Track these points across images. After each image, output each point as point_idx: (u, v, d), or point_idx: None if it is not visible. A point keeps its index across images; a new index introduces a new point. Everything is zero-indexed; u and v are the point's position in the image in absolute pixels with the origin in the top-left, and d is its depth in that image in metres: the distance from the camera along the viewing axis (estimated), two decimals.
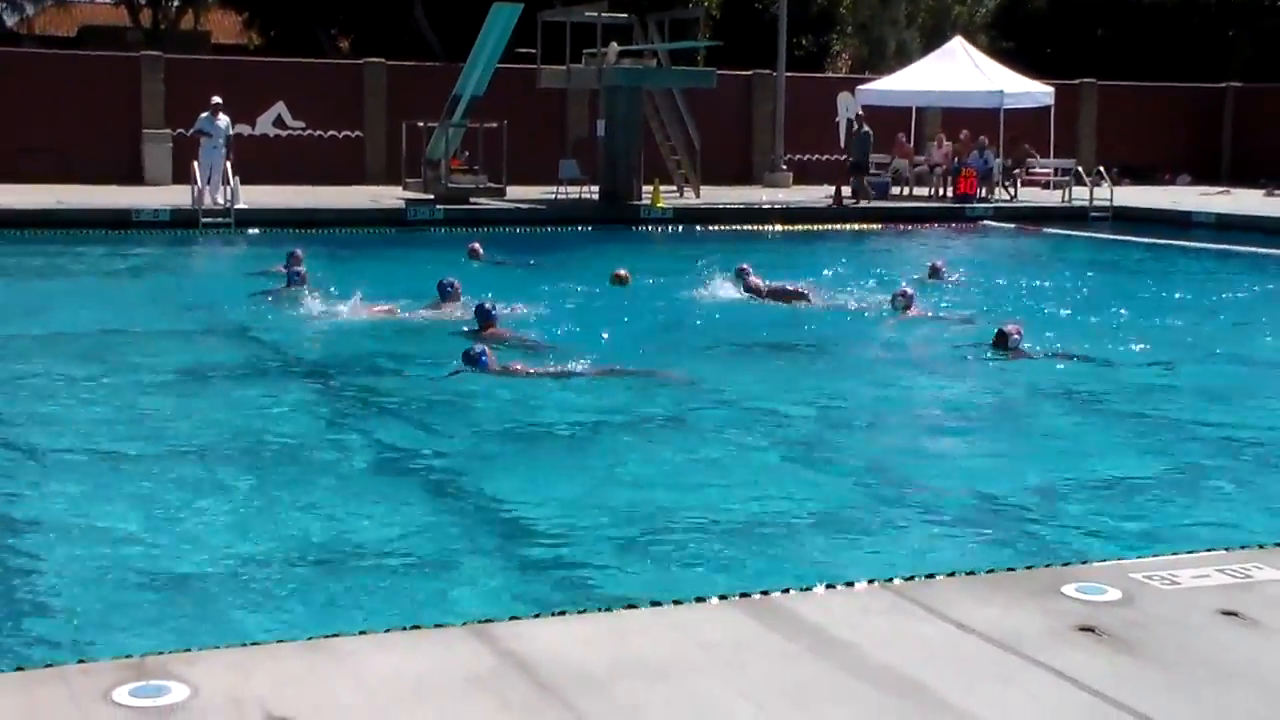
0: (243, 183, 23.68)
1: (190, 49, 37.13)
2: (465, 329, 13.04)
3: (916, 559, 7.02)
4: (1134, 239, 24.31)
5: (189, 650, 4.33)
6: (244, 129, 28.50)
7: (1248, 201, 29.43)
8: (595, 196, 27.34)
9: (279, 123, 30.01)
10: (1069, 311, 15.80)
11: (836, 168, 30.47)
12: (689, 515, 7.78)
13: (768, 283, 16.11)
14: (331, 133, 30.34)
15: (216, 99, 24.30)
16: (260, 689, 3.91)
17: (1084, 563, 5.58)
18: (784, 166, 31.66)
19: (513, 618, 4.78)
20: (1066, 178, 29.65)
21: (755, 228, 25.91)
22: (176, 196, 24.46)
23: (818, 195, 28.92)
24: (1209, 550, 5.57)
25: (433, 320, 13.99)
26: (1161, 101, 36.43)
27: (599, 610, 5.07)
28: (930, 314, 15.02)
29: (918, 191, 30.19)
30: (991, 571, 5.45)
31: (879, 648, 4.31)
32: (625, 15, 28.63)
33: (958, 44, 32.19)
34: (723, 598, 4.88)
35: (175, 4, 46.38)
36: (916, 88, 30.67)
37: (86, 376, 11.43)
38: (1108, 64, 37.95)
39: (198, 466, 8.66)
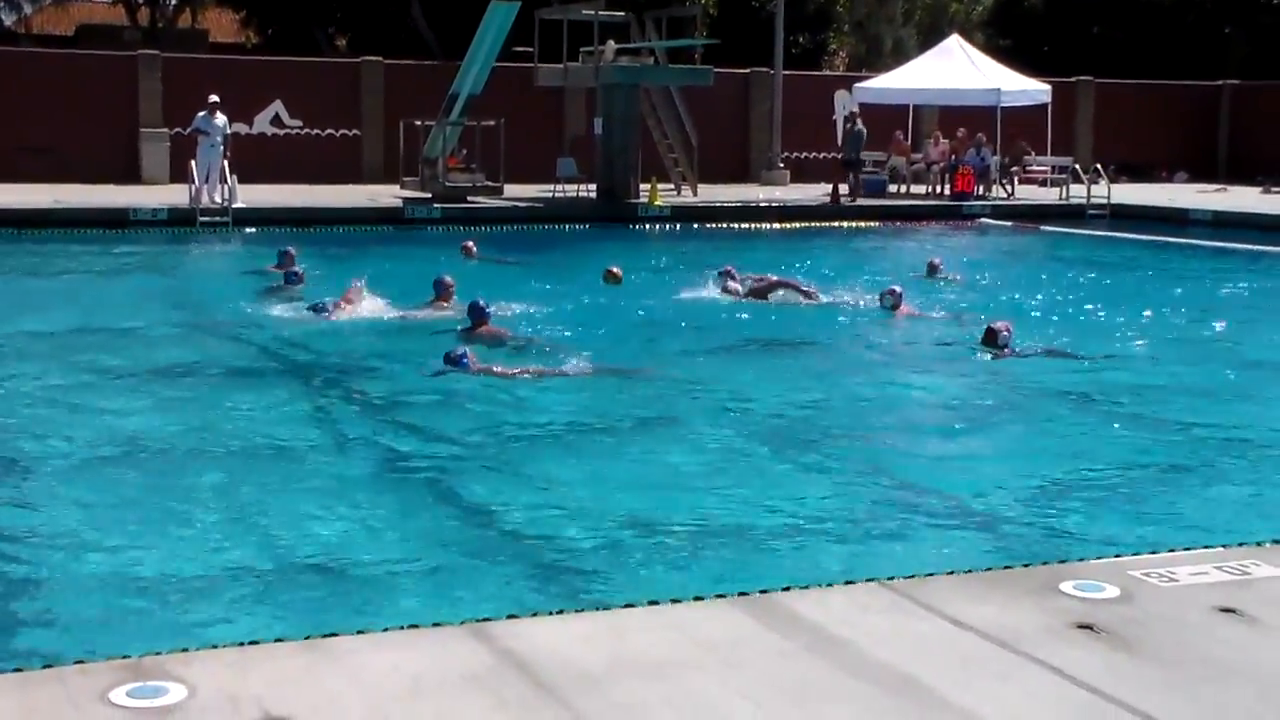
0: (240, 181, 23.67)
1: (188, 48, 37.10)
2: (459, 327, 13.05)
3: (914, 557, 7.01)
4: (1131, 236, 24.32)
5: (186, 650, 4.33)
6: (241, 128, 28.49)
7: (1244, 199, 29.44)
8: (593, 195, 27.34)
9: (276, 121, 29.99)
10: (1066, 309, 15.81)
11: (834, 166, 30.44)
12: (685, 514, 7.77)
13: (747, 280, 16.13)
14: (329, 131, 30.33)
15: (214, 97, 24.29)
16: (258, 688, 3.90)
17: (1081, 560, 5.58)
18: (781, 164, 31.65)
19: (510, 616, 4.78)
20: (1063, 175, 29.65)
21: (752, 226, 25.91)
22: (174, 195, 24.44)
23: (815, 193, 28.91)
24: (1207, 547, 5.57)
25: (427, 319, 13.99)
26: (1158, 99, 36.43)
27: (597, 609, 5.07)
28: (920, 312, 15.00)
29: (915, 189, 30.19)
30: (989, 569, 5.45)
31: (877, 646, 4.31)
32: (622, 13, 28.62)
33: (955, 42, 32.20)
34: (720, 596, 4.88)
35: (172, 3, 46.37)
36: (913, 85, 30.67)
37: (82, 376, 11.43)
38: (1105, 62, 37.96)
39: (192, 466, 8.65)
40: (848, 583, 5.12)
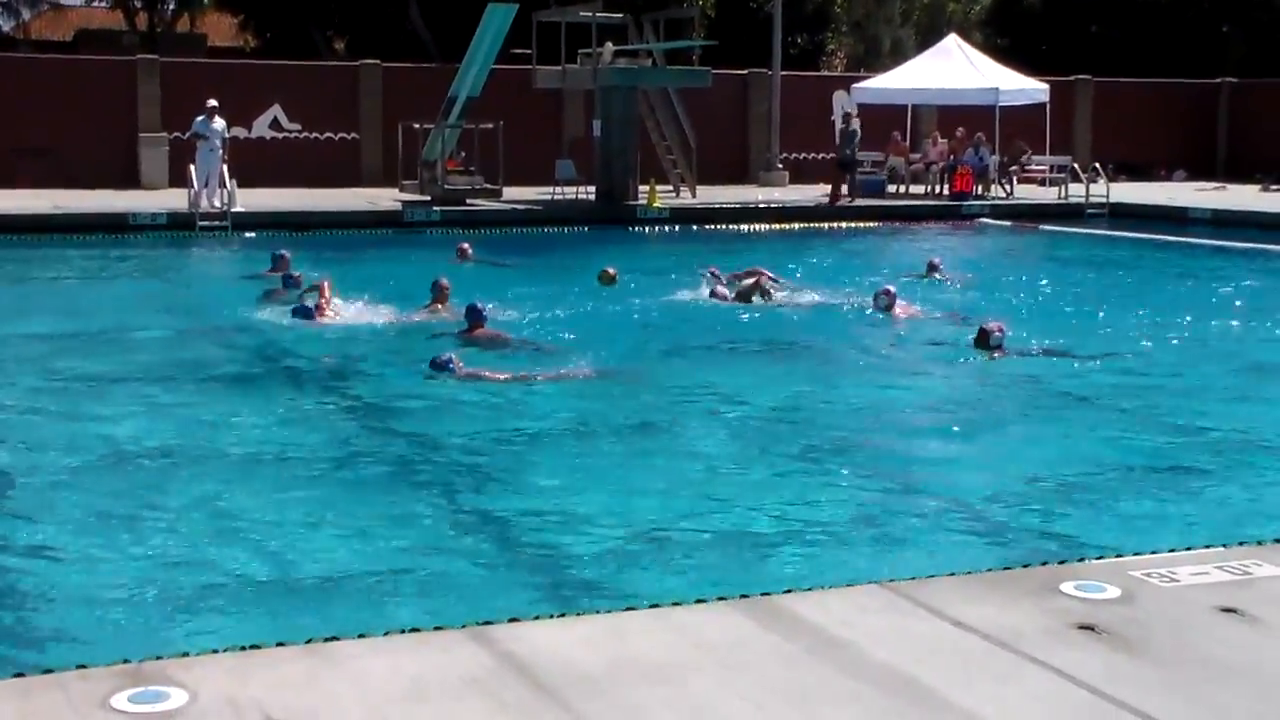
0: (239, 185, 23.67)
1: (186, 52, 37.14)
2: (456, 330, 13.05)
3: (914, 558, 7.01)
4: (1130, 235, 24.32)
5: (187, 655, 4.33)
6: (240, 131, 28.49)
7: (1243, 197, 29.45)
8: (592, 197, 27.34)
9: (275, 125, 29.98)
10: (1065, 309, 15.81)
11: (833, 166, 30.42)
12: (685, 517, 7.77)
13: (734, 282, 16.15)
14: (328, 135, 30.33)
15: (212, 102, 24.29)
16: (258, 693, 3.90)
17: (1082, 560, 5.58)
18: (780, 165, 31.64)
19: (511, 619, 4.78)
20: (1062, 174, 29.65)
21: (751, 227, 25.91)
22: (173, 200, 24.43)
23: (814, 194, 28.91)
24: (1208, 547, 5.57)
25: (424, 321, 14.00)
26: (1157, 97, 36.42)
27: (597, 612, 5.06)
28: (914, 313, 14.96)
29: (914, 189, 30.19)
30: (990, 570, 5.46)
31: (878, 647, 4.31)
32: (620, 15, 28.62)
33: (953, 41, 32.21)
34: (721, 598, 4.88)
35: (171, 7, 46.39)
36: (912, 85, 30.68)
37: (80, 381, 11.43)
38: (1103, 60, 37.96)
39: (190, 470, 8.65)
40: (848, 584, 5.13)
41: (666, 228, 25.65)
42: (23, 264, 19.41)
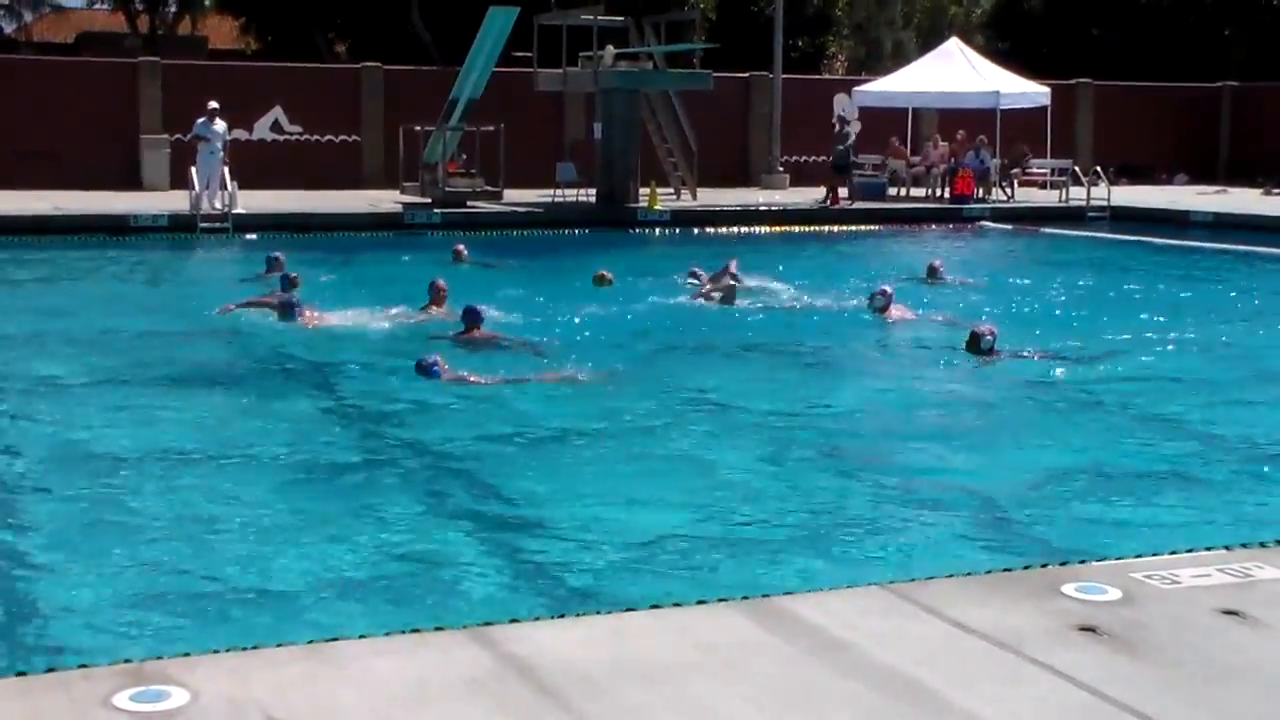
0: (240, 187, 23.69)
1: (187, 54, 37.14)
2: (452, 332, 13.06)
3: (915, 560, 7.01)
4: (1132, 238, 24.31)
5: (189, 655, 4.33)
6: (241, 134, 28.49)
7: (1245, 200, 29.44)
8: (592, 199, 27.34)
9: (276, 127, 29.98)
10: (1067, 311, 15.80)
11: (831, 170, 30.46)
12: (686, 519, 7.77)
13: (711, 285, 16.18)
14: (329, 137, 30.33)
15: (213, 104, 24.29)
16: (260, 693, 3.91)
17: (1083, 562, 5.58)
18: (781, 168, 31.65)
19: (513, 620, 4.78)
20: (1063, 178, 29.65)
21: (751, 229, 25.91)
22: (174, 202, 24.43)
23: (815, 197, 28.90)
24: (1209, 549, 5.57)
25: (421, 323, 14.00)
26: (1158, 101, 36.42)
27: (598, 612, 5.07)
28: (911, 314, 14.94)
29: (915, 192, 30.19)
30: (990, 572, 5.46)
31: (879, 648, 4.31)
32: (621, 18, 28.64)
33: (954, 44, 32.21)
34: (722, 600, 4.88)
35: (172, 9, 46.41)
36: (913, 88, 30.67)
37: (81, 382, 11.44)
38: (1104, 64, 37.96)
39: (189, 472, 8.66)
40: (849, 586, 5.13)
41: (667, 230, 25.65)
42: (23, 265, 19.41)
